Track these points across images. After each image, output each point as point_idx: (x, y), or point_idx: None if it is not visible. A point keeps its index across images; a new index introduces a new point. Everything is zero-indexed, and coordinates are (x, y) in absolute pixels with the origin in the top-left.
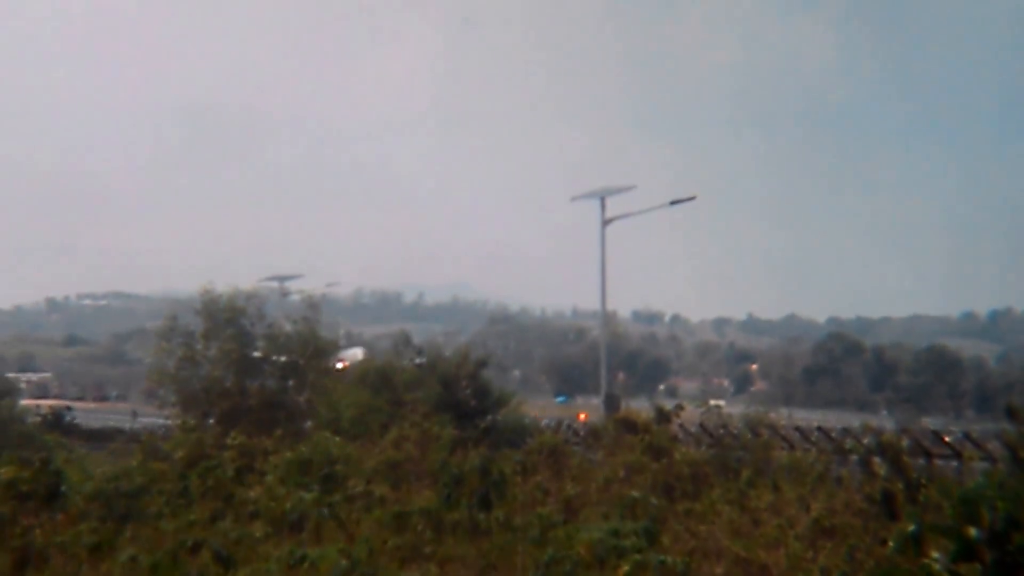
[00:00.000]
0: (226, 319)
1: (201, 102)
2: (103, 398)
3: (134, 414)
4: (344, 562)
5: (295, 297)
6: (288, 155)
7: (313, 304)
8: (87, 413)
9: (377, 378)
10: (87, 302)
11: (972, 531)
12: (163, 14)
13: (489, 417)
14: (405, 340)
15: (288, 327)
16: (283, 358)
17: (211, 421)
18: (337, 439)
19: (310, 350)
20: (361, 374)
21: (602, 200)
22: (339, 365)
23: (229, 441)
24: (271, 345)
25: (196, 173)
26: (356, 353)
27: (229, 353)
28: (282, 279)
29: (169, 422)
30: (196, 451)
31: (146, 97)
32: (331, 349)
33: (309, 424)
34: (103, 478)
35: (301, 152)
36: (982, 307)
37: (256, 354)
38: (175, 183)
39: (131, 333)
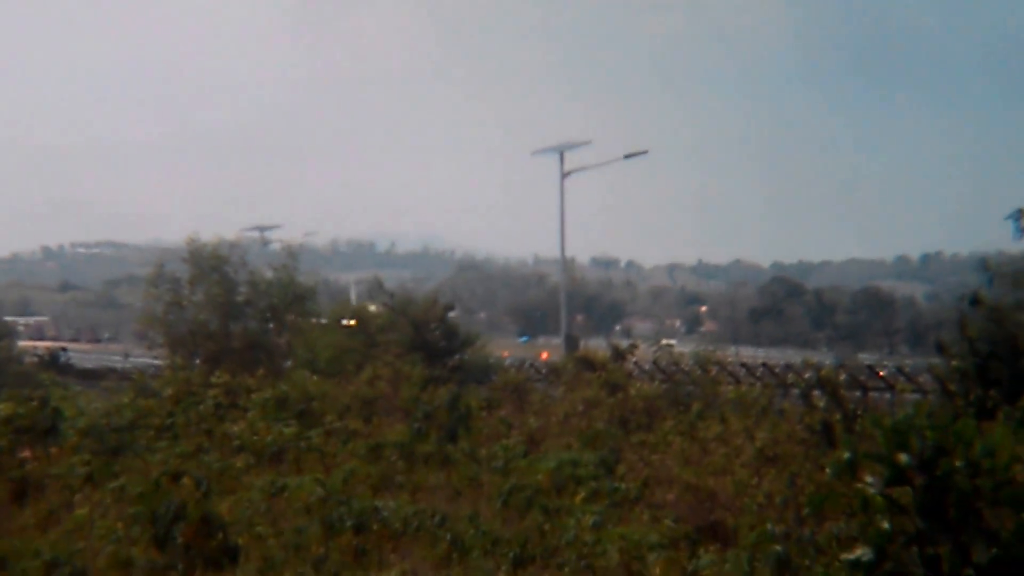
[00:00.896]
0: (211, 267)
1: (185, 61)
2: (96, 340)
3: (125, 355)
4: (319, 491)
5: (275, 246)
6: (268, 108)
7: (292, 252)
8: (81, 354)
9: (352, 320)
10: (81, 250)
11: (903, 458)
12: None
13: (456, 357)
14: (378, 286)
15: (269, 274)
16: (264, 302)
17: (197, 361)
18: (314, 378)
19: (289, 295)
20: (336, 317)
21: (561, 154)
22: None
23: (214, 380)
24: (253, 291)
25: (178, 126)
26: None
27: (214, 298)
28: (263, 229)
29: (158, 362)
30: (183, 389)
31: (132, 55)
32: (308, 294)
33: (288, 364)
34: (96, 414)
35: (281, 106)
36: (914, 250)
37: (239, 299)
38: (159, 136)
39: (122, 280)
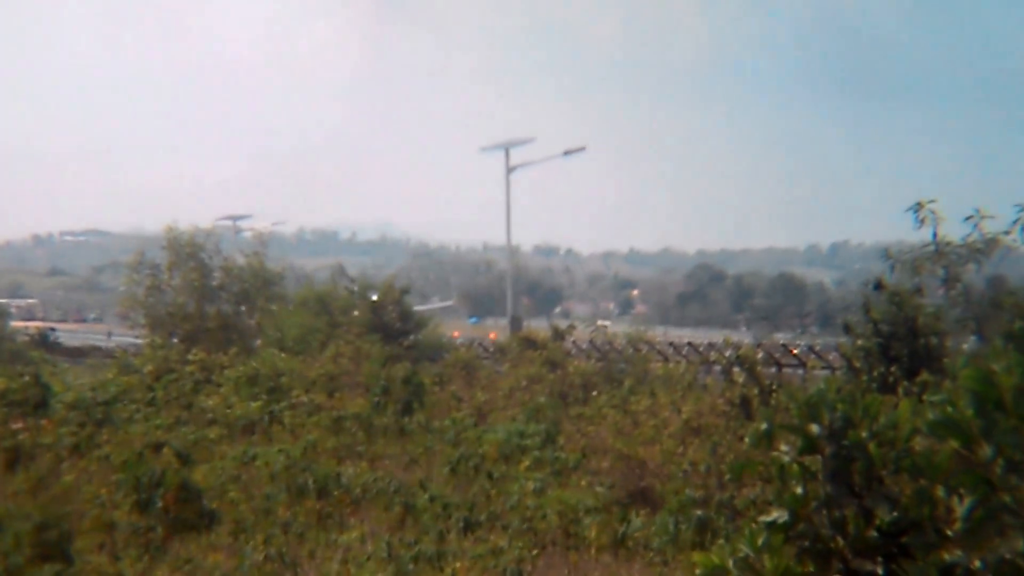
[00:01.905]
0: (188, 253)
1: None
2: (82, 321)
3: (109, 334)
4: (286, 459)
5: (247, 234)
6: (239, 109)
7: (262, 240)
8: (68, 333)
9: (316, 303)
10: (68, 238)
11: (814, 429)
12: None
13: (411, 336)
14: (340, 271)
15: (240, 260)
16: (236, 286)
17: (175, 340)
18: (282, 355)
19: (259, 280)
20: (302, 300)
21: (506, 151)
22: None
23: (191, 357)
24: (226, 276)
25: (157, 122)
26: (436, 301)
27: (190, 283)
28: (235, 219)
29: (139, 341)
30: (162, 366)
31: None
32: (277, 279)
33: (258, 343)
34: (82, 389)
35: (255, 108)
36: (824, 240)
37: (213, 283)
38: (140, 130)
39: (106, 266)
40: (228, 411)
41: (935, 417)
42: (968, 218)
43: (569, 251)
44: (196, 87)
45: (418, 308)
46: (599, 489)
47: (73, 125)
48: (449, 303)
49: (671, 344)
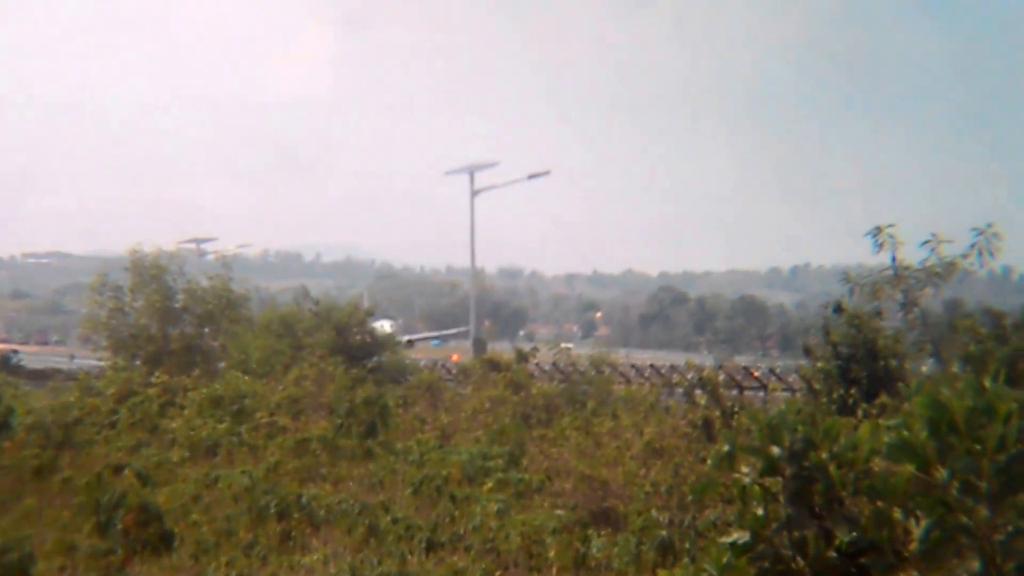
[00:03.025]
0: (151, 275)
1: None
2: (45, 343)
3: (71, 356)
4: (248, 481)
5: (210, 257)
6: (207, 132)
7: (225, 263)
8: (31, 355)
9: (280, 325)
10: (31, 261)
11: (775, 450)
12: None
13: (375, 358)
14: (304, 293)
15: (204, 282)
16: (200, 308)
17: (138, 362)
18: (246, 378)
19: (223, 302)
20: (266, 322)
21: (471, 174)
22: None
23: (154, 379)
24: (190, 298)
25: (121, 145)
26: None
27: (153, 304)
28: (199, 241)
29: (102, 363)
30: (125, 388)
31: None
32: (241, 301)
33: (222, 365)
34: (44, 411)
35: (220, 130)
36: (784, 263)
37: (177, 305)
38: (102, 152)
39: (69, 288)
40: (191, 433)
41: (891, 441)
42: (926, 242)
43: (533, 273)
44: (158, 109)
45: (430, 334)
46: (560, 512)
47: (32, 148)
48: (463, 329)
49: (634, 366)
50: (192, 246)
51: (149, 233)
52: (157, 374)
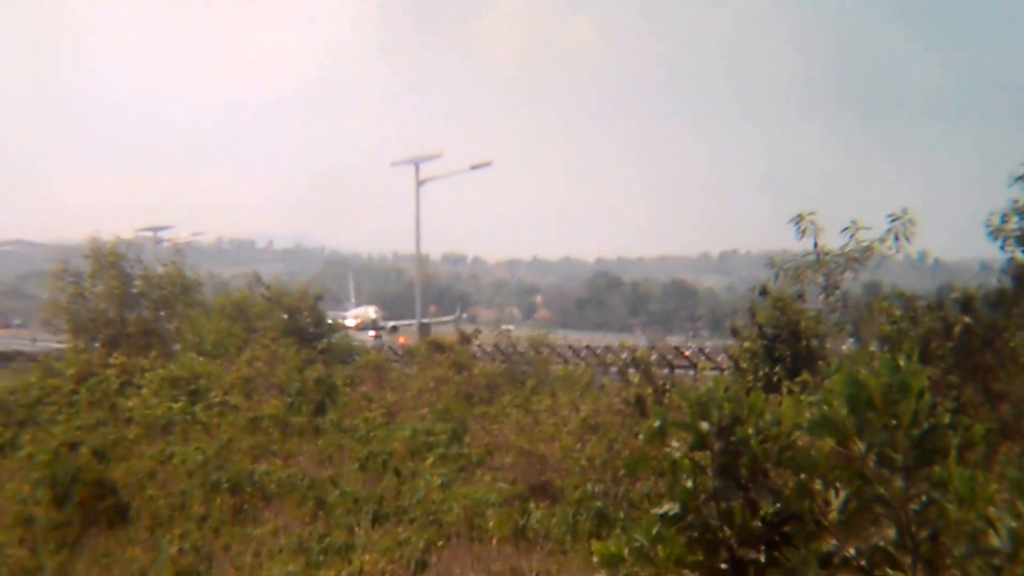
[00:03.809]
0: (109, 262)
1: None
2: (6, 326)
3: (34, 339)
4: (202, 458)
5: (166, 244)
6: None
7: (180, 250)
8: None
9: (233, 309)
10: None
11: (704, 426)
12: None
13: (325, 340)
14: (256, 279)
15: (160, 269)
16: (156, 294)
17: (97, 345)
18: (200, 359)
19: (178, 287)
20: (220, 306)
21: (416, 165)
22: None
23: (112, 361)
24: (146, 283)
25: (81, 136)
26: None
27: (112, 290)
28: (156, 229)
29: (62, 346)
30: (84, 369)
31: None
32: (195, 286)
33: (178, 347)
34: (6, 391)
35: (174, 123)
36: (714, 248)
37: (134, 291)
38: (63, 144)
39: (31, 274)
40: (148, 412)
41: (813, 416)
42: (845, 229)
43: (476, 259)
44: (118, 102)
45: (425, 320)
46: (501, 484)
47: None
48: (457, 316)
49: (571, 347)
50: (149, 234)
51: (108, 222)
52: (115, 356)
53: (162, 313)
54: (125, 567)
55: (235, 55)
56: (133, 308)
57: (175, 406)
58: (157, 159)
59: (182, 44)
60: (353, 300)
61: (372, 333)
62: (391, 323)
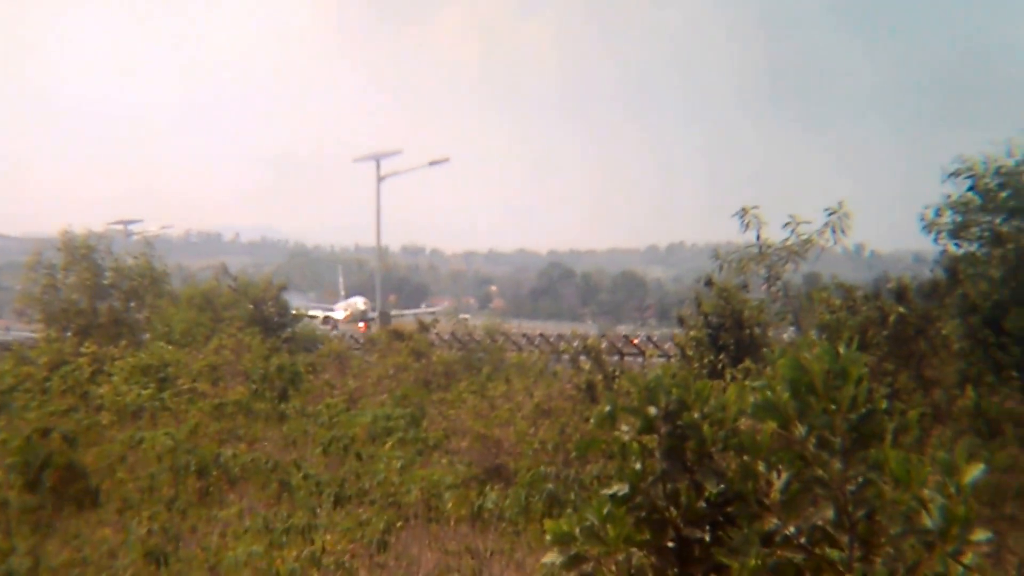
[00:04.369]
0: (81, 255)
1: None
2: None
3: (7, 329)
4: (170, 442)
5: (136, 237)
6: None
7: (149, 242)
8: None
9: (201, 300)
10: None
11: (652, 411)
12: None
13: (289, 329)
14: (223, 270)
15: (130, 261)
16: (126, 285)
17: (69, 334)
18: (169, 348)
19: (147, 278)
20: (188, 297)
21: (377, 161)
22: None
23: (83, 350)
24: (117, 275)
25: (53, 131)
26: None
27: (83, 281)
28: (126, 223)
29: (35, 335)
30: (57, 357)
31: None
32: (164, 277)
33: (147, 336)
34: None
35: (142, 120)
36: (662, 241)
37: (105, 282)
38: (32, 138)
39: (4, 266)
40: (118, 399)
41: (756, 401)
42: (786, 223)
43: (434, 251)
44: (86, 96)
45: (415, 312)
46: (458, 467)
47: None
48: (443, 307)
49: (525, 335)
50: (119, 227)
51: (79, 215)
52: (87, 345)
53: (132, 304)
54: (95, 548)
55: (201, 50)
56: (104, 299)
57: (144, 393)
58: (127, 154)
59: (149, 37)
60: (343, 292)
61: (362, 325)
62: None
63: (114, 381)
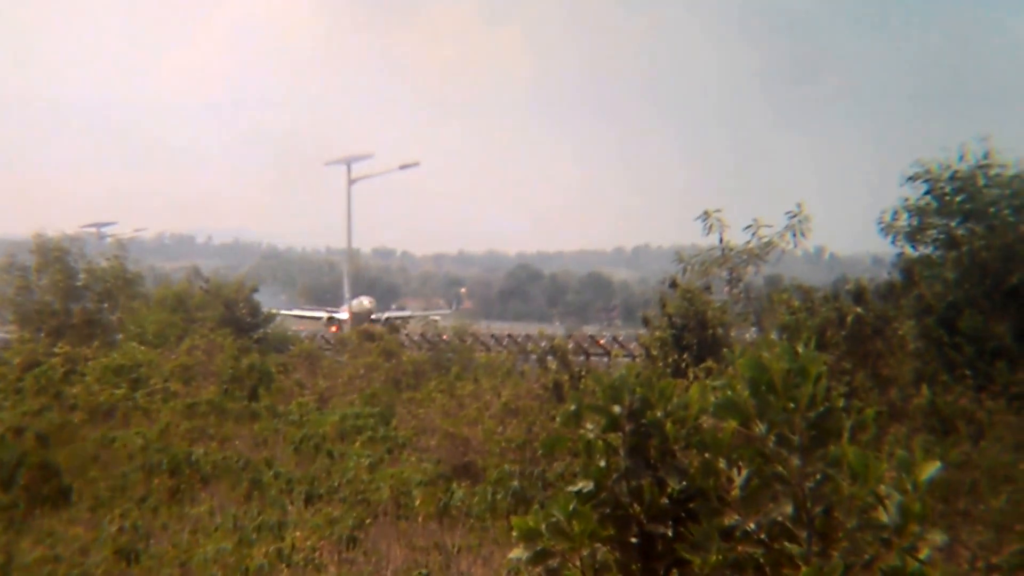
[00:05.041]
0: (54, 257)
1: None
2: None
3: None
4: (141, 441)
5: (109, 239)
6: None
7: (122, 245)
8: None
9: (174, 301)
10: None
11: (616, 409)
12: None
13: (260, 330)
14: (196, 272)
15: (103, 263)
16: (99, 286)
17: (42, 335)
18: (142, 348)
19: (120, 280)
20: (161, 298)
21: (348, 165)
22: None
23: (57, 350)
24: (90, 277)
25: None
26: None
27: (57, 283)
28: (99, 225)
29: (8, 336)
30: (30, 358)
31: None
32: (137, 279)
33: (120, 337)
34: None
35: (117, 121)
36: (628, 243)
37: (78, 284)
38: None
39: None
40: (91, 398)
41: (718, 399)
42: (748, 226)
43: (404, 253)
44: (60, 100)
45: (420, 313)
46: (427, 464)
47: None
48: (447, 311)
49: (493, 336)
50: (93, 230)
51: (53, 218)
52: (60, 345)
53: (105, 305)
54: (68, 545)
55: (174, 52)
56: (77, 300)
57: (117, 393)
58: (100, 157)
59: (122, 38)
60: (348, 293)
61: (333, 327)
62: (385, 314)
63: (87, 381)
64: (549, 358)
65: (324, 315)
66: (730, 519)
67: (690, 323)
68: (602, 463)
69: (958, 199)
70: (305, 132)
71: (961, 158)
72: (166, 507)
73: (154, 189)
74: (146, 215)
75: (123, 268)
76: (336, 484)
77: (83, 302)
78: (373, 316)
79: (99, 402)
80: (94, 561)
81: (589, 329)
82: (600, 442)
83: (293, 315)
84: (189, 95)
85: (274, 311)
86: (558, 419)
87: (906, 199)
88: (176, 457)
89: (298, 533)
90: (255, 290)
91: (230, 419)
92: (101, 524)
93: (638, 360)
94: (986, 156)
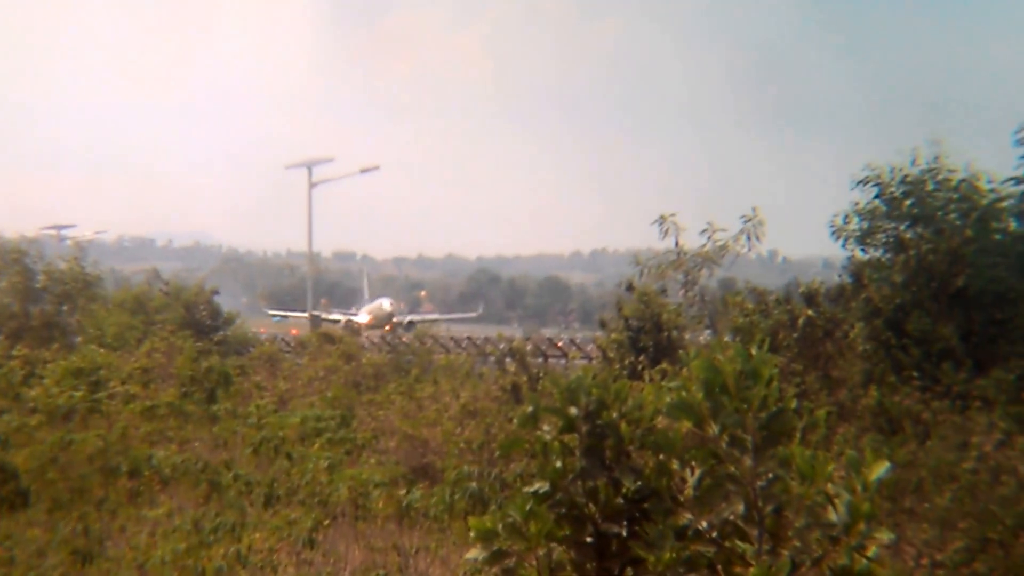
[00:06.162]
0: (13, 259)
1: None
2: None
3: None
4: (100, 443)
5: (69, 242)
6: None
7: (82, 247)
8: None
9: (133, 303)
10: None
11: (573, 411)
12: None
13: (221, 332)
14: (156, 275)
15: (62, 265)
16: (58, 288)
17: (0, 337)
18: (101, 351)
19: (80, 283)
20: (120, 301)
21: (309, 169)
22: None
23: (15, 353)
24: (49, 279)
25: None
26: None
27: (15, 285)
28: (59, 228)
29: None
30: None
31: None
32: (96, 281)
33: (79, 339)
34: None
35: (81, 123)
36: (585, 247)
37: (37, 286)
38: None
39: None
40: (50, 401)
41: (672, 401)
42: (704, 230)
43: (365, 256)
44: (21, 104)
45: (446, 317)
46: (386, 466)
47: None
48: (471, 314)
49: (453, 338)
50: (52, 232)
51: (11, 221)
52: (18, 348)
53: (64, 307)
54: (24, 548)
55: (138, 55)
56: (36, 302)
57: (76, 395)
58: (59, 160)
59: (84, 40)
60: (367, 295)
61: (386, 330)
62: (408, 317)
63: (46, 383)
64: (508, 360)
65: (342, 318)
66: (683, 518)
67: (646, 326)
68: (558, 464)
69: (907, 203)
70: (266, 135)
71: (913, 162)
72: (125, 509)
73: (114, 192)
74: (106, 218)
75: (82, 270)
76: (295, 486)
77: (42, 304)
78: (395, 319)
79: (58, 404)
80: (51, 563)
81: (547, 332)
82: (557, 443)
83: (325, 318)
84: (149, 98)
85: (315, 313)
86: (516, 420)
87: (856, 203)
88: (135, 459)
89: (256, 535)
90: (215, 293)
91: (190, 421)
92: (57, 526)
93: (595, 362)
94: (936, 160)
